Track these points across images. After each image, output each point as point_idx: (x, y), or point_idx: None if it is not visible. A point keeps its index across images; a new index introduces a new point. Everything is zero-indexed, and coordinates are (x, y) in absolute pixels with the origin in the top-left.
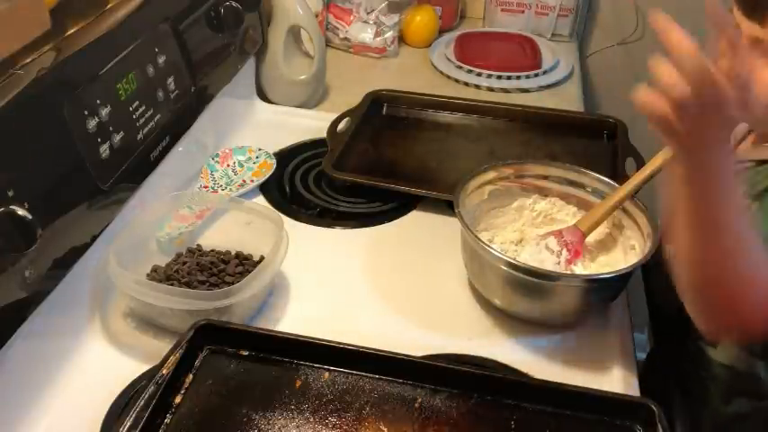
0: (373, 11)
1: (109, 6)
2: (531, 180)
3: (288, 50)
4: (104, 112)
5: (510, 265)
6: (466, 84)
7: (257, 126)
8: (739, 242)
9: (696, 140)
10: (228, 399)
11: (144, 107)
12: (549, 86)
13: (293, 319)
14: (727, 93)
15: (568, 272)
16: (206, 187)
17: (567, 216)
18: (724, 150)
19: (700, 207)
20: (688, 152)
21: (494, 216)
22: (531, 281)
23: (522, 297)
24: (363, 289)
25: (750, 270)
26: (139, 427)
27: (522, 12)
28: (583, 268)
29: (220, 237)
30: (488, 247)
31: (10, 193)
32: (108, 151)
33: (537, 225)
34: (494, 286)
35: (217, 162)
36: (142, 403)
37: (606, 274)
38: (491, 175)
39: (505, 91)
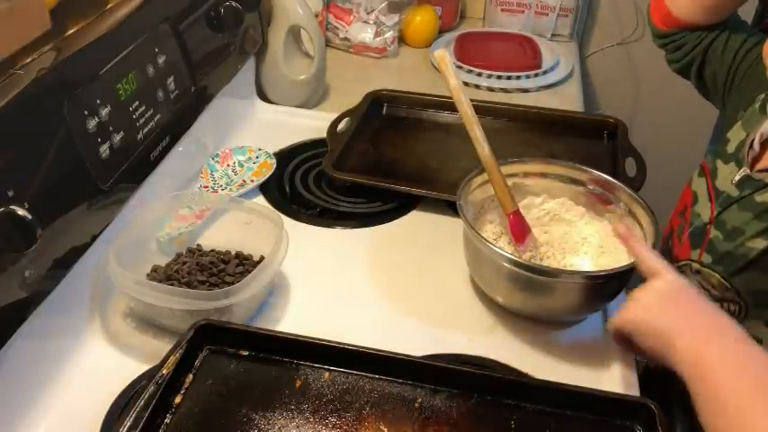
0: (373, 11)
1: (109, 6)
2: (536, 179)
3: (288, 50)
4: (104, 112)
5: (511, 261)
6: (466, 84)
7: (257, 126)
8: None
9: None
10: (228, 399)
11: (144, 107)
12: (549, 86)
13: (293, 319)
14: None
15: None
16: (206, 187)
17: (575, 216)
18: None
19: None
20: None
21: (500, 213)
22: (533, 277)
23: (524, 293)
24: (363, 289)
25: None
26: (139, 427)
27: (522, 12)
28: (587, 266)
29: (220, 237)
30: (489, 243)
31: (10, 193)
32: (108, 151)
33: (544, 224)
34: (495, 283)
35: (217, 162)
36: (142, 403)
37: (605, 270)
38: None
39: (505, 91)
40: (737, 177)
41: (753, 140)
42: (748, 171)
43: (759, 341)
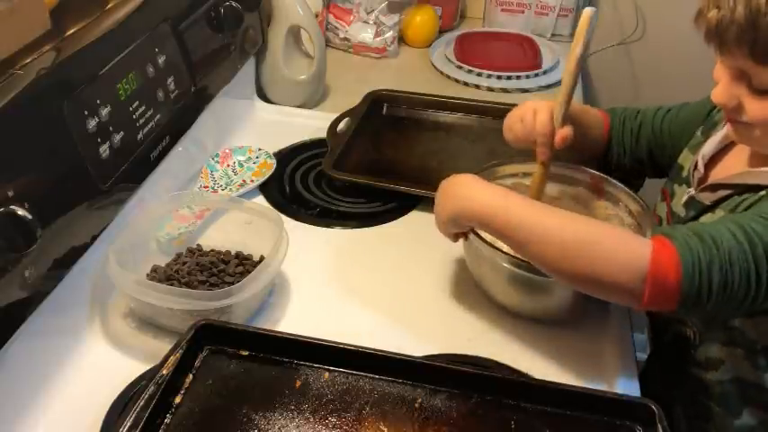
0: (373, 11)
1: (109, 6)
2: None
3: (288, 50)
4: (104, 112)
5: (511, 261)
6: (466, 84)
7: (257, 126)
8: (533, 232)
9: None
10: (228, 399)
11: (144, 107)
12: (549, 86)
13: (293, 319)
14: None
15: None
16: (206, 187)
17: None
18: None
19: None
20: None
21: None
22: (533, 277)
23: (524, 294)
24: (363, 289)
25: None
26: (139, 427)
27: (522, 12)
28: None
29: (220, 237)
30: (490, 243)
31: (10, 193)
32: (108, 151)
33: None
34: (495, 283)
35: (217, 162)
36: (142, 403)
37: None
38: (497, 172)
39: (505, 91)
40: (684, 198)
41: (697, 162)
42: (693, 191)
43: (720, 362)
